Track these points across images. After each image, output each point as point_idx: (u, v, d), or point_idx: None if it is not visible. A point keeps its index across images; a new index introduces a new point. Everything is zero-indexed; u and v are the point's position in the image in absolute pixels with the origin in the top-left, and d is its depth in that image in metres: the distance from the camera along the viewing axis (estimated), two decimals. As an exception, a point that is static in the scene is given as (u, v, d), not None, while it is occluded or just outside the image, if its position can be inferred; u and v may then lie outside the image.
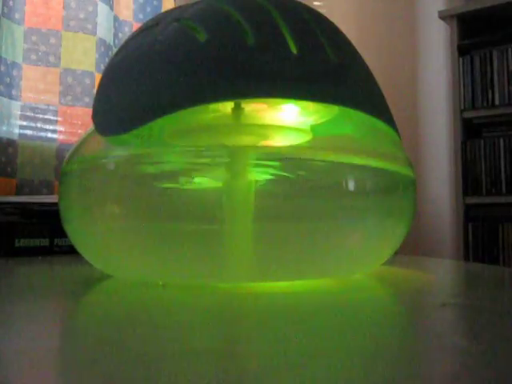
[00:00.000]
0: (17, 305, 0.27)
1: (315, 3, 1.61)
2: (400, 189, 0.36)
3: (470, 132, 1.38)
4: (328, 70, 0.31)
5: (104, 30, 1.07)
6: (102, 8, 1.06)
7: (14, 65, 0.96)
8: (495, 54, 1.34)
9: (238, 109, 0.33)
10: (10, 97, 0.95)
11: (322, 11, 0.36)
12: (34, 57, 0.99)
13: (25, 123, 0.98)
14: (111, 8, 1.09)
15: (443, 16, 1.41)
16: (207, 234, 0.31)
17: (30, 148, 0.97)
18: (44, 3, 1.00)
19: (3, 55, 0.94)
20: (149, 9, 1.17)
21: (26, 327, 0.21)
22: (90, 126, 0.36)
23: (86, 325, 0.22)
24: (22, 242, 0.57)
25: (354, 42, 0.36)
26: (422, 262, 0.58)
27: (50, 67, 1.00)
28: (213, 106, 0.33)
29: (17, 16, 0.97)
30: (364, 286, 0.34)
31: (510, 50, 1.32)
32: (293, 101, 0.33)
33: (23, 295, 0.30)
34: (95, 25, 1.05)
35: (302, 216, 0.31)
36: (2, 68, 0.94)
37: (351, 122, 0.36)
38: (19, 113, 0.97)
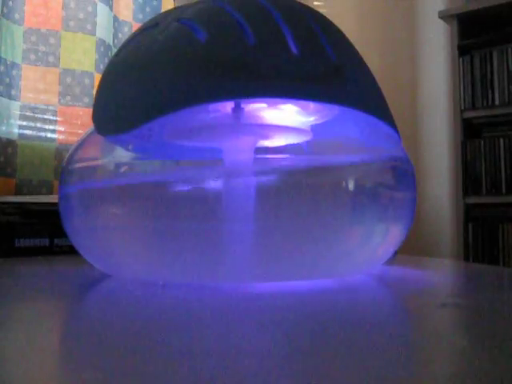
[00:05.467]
0: (17, 305, 0.27)
1: (315, 3, 1.61)
2: (400, 189, 0.36)
3: (470, 132, 1.38)
4: (328, 69, 0.31)
5: (103, 30, 1.07)
6: (102, 8, 1.06)
7: (14, 65, 0.96)
8: (495, 54, 1.34)
9: (238, 109, 0.33)
10: (10, 97, 0.95)
11: (322, 11, 0.36)
12: (33, 57, 0.99)
13: (24, 123, 0.97)
14: (111, 8, 1.09)
15: (443, 16, 1.41)
16: (207, 233, 0.31)
17: (29, 148, 0.97)
18: (43, 3, 1.00)
19: (2, 55, 0.94)
20: (148, 9, 1.17)
21: (26, 327, 0.21)
22: (90, 126, 0.36)
23: (86, 325, 0.22)
24: (21, 242, 0.57)
25: (353, 42, 0.36)
26: (422, 262, 0.58)
27: (49, 67, 1.00)
28: (213, 106, 0.33)
29: (16, 16, 0.97)
30: (364, 286, 0.34)
31: (509, 50, 1.32)
32: (293, 101, 0.33)
33: (23, 295, 0.30)
34: (95, 25, 1.05)
35: (302, 216, 0.31)
36: (2, 68, 0.94)
37: (351, 121, 0.36)
38: (18, 113, 0.97)
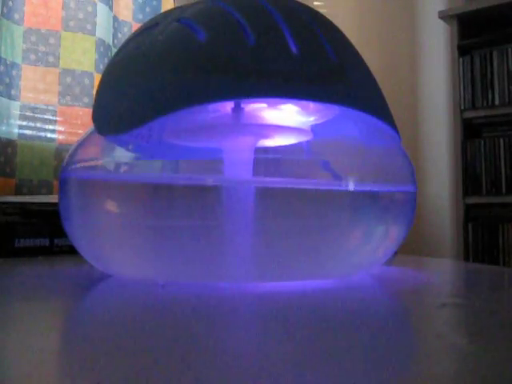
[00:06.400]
0: (17, 305, 0.27)
1: (315, 3, 1.61)
2: (400, 189, 0.36)
3: (470, 132, 1.38)
4: (328, 70, 0.31)
5: (103, 30, 1.07)
6: (102, 8, 1.06)
7: (14, 65, 0.96)
8: (495, 53, 1.34)
9: (237, 109, 0.33)
10: (10, 97, 0.95)
11: (322, 11, 0.36)
12: (33, 57, 0.99)
13: (24, 123, 0.97)
14: (110, 8, 1.09)
15: (443, 16, 1.41)
16: (207, 233, 0.31)
17: (29, 148, 0.97)
18: (43, 3, 1.00)
19: (2, 55, 0.94)
20: (148, 9, 1.17)
21: (26, 327, 0.21)
22: (90, 126, 0.36)
23: (86, 325, 0.22)
24: (21, 242, 0.57)
25: (354, 42, 0.36)
26: (422, 262, 0.58)
27: (49, 67, 1.00)
28: (213, 106, 0.33)
29: (16, 16, 0.97)
30: (364, 286, 0.34)
31: (509, 50, 1.32)
32: (293, 101, 0.33)
33: (23, 295, 0.30)
34: (94, 25, 1.05)
35: (303, 216, 0.31)
36: (2, 68, 0.94)
37: (351, 121, 0.36)
38: (18, 113, 0.97)
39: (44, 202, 0.61)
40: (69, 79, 1.02)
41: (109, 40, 1.08)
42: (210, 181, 0.32)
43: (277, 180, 0.31)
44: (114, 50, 1.09)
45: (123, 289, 0.33)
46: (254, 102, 0.33)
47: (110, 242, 0.34)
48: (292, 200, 0.31)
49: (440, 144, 1.50)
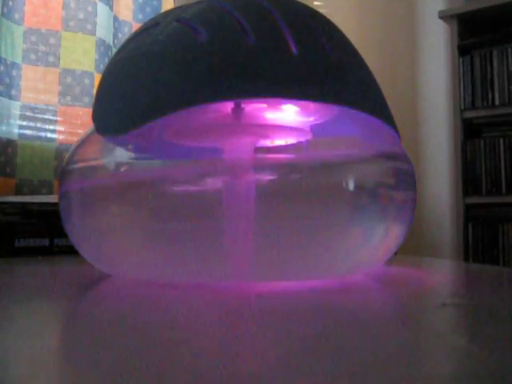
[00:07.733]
0: (17, 305, 0.27)
1: (315, 3, 1.61)
2: (400, 188, 0.36)
3: (470, 132, 1.38)
4: (328, 70, 0.31)
5: (103, 30, 1.07)
6: (102, 8, 1.06)
7: (14, 65, 0.96)
8: (495, 54, 1.34)
9: (238, 109, 0.33)
10: (10, 97, 0.95)
11: (322, 11, 0.36)
12: (33, 57, 0.99)
13: (24, 123, 0.97)
14: (111, 8, 1.09)
15: (443, 16, 1.41)
16: (208, 233, 0.31)
17: (29, 148, 0.97)
18: (43, 3, 1.00)
19: (3, 55, 0.94)
20: (148, 9, 1.17)
21: (26, 327, 0.21)
22: (90, 126, 0.36)
23: (86, 325, 0.22)
24: (21, 242, 0.57)
25: (353, 42, 0.36)
26: (422, 262, 0.58)
27: (49, 67, 1.00)
28: (213, 106, 0.33)
29: (16, 16, 0.97)
30: (364, 286, 0.34)
31: (509, 50, 1.32)
32: (293, 101, 0.33)
33: (23, 295, 0.30)
34: (95, 25, 1.05)
35: (302, 216, 0.31)
36: (2, 68, 0.94)
37: (351, 121, 0.36)
38: (18, 113, 0.97)
39: (44, 202, 0.61)
40: (69, 79, 1.02)
41: (109, 40, 1.08)
42: (209, 181, 0.32)
43: (277, 180, 0.31)
44: (115, 50, 1.09)
45: (123, 289, 0.33)
46: (254, 102, 0.33)
47: (111, 243, 0.34)
48: (292, 199, 0.31)
49: (440, 144, 1.50)
